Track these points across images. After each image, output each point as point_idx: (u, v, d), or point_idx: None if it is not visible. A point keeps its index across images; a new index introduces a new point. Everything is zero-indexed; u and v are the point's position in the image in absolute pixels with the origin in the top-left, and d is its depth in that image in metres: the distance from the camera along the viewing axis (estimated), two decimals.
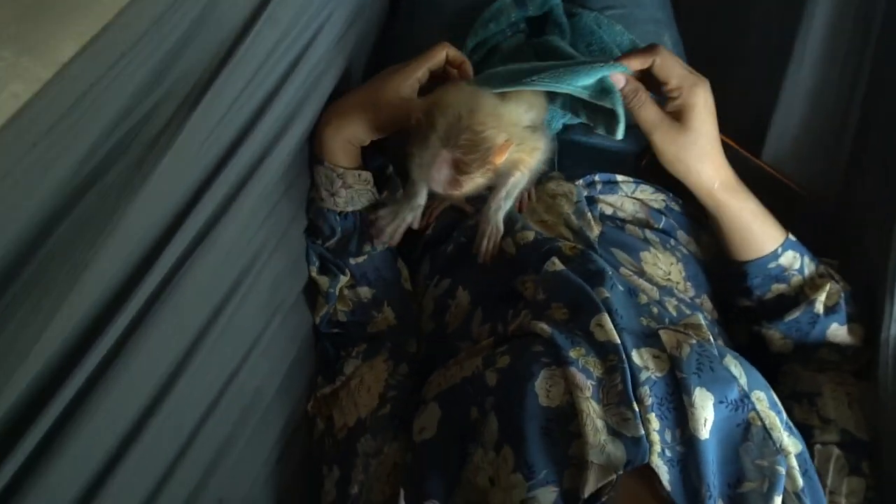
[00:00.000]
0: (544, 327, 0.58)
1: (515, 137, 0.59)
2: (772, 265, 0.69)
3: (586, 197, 0.75)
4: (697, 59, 0.88)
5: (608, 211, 0.76)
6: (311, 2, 0.68)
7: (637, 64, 0.64)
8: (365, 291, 0.76)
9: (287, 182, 0.69)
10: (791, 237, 0.70)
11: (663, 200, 0.78)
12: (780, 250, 0.69)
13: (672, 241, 0.75)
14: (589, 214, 0.72)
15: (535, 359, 0.56)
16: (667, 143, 0.64)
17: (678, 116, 0.64)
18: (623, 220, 0.76)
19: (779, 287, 0.70)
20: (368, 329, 0.76)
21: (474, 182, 0.58)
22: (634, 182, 0.77)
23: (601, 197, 0.76)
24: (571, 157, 0.72)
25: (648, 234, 0.74)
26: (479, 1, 0.85)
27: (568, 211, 0.72)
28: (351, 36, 0.78)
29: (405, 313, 0.77)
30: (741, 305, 0.74)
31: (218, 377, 0.60)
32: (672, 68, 0.63)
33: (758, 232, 0.69)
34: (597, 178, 0.77)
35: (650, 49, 0.64)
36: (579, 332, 0.58)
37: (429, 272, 0.78)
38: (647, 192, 0.78)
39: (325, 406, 0.71)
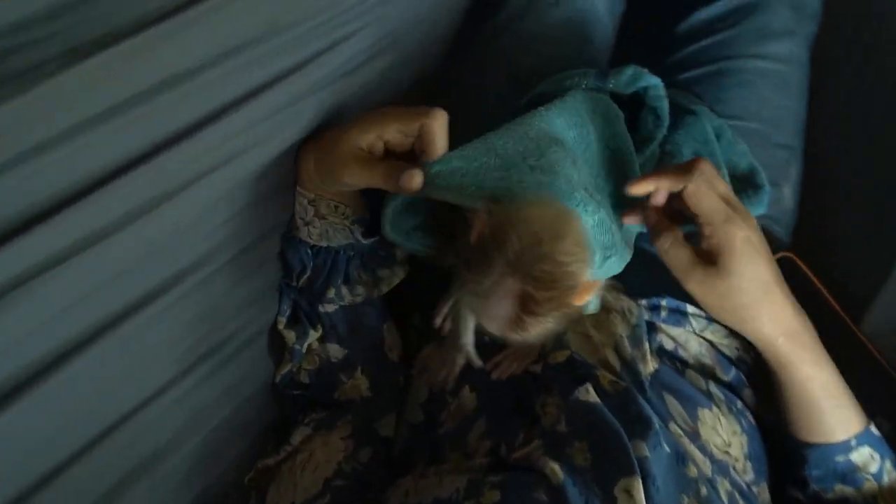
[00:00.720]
0: (556, 469, 0.47)
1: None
2: (840, 458, 0.56)
3: (646, 322, 0.63)
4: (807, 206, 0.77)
5: (669, 345, 0.63)
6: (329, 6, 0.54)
7: (667, 184, 0.52)
8: (335, 350, 0.64)
9: (254, 195, 0.56)
10: (873, 429, 0.57)
11: (736, 348, 0.66)
12: (853, 442, 0.56)
13: (739, 404, 0.62)
14: (647, 345, 0.60)
15: None
16: (703, 292, 0.53)
17: (713, 259, 0.52)
18: (684, 362, 0.63)
19: (844, 489, 0.57)
20: (335, 395, 0.64)
21: (542, 326, 0.44)
22: (706, 319, 0.65)
23: (664, 326, 0.64)
24: (638, 269, 0.60)
25: (713, 387, 0.61)
26: (558, 62, 0.72)
27: (622, 333, 0.60)
28: (379, 63, 0.64)
29: (383, 386, 0.65)
30: (792, 496, 0.60)
31: (94, 419, 0.47)
32: (703, 199, 0.51)
33: (828, 411, 0.56)
34: (664, 302, 0.64)
35: (689, 168, 0.52)
36: (599, 490, 0.46)
37: None
38: (718, 334, 0.65)
39: (265, 479, 0.59)
